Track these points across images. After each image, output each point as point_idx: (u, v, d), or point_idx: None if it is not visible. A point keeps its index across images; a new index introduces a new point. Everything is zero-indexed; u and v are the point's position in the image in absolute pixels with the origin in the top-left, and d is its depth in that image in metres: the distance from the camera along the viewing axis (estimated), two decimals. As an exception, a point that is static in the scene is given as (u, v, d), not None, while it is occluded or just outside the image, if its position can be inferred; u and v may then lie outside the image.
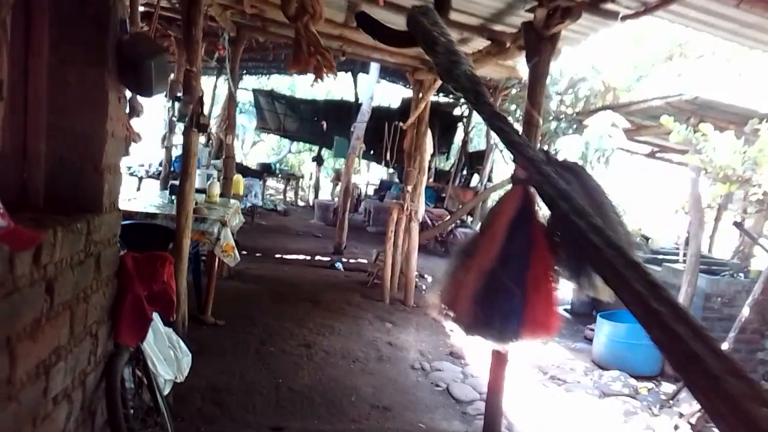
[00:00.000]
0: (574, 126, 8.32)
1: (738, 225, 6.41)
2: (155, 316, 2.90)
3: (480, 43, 5.48)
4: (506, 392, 3.79)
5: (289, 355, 4.67)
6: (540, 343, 6.31)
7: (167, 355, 3.23)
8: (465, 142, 12.45)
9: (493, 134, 11.07)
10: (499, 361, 3.77)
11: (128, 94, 2.67)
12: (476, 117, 12.61)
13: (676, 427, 4.35)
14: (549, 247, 1.13)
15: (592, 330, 6.50)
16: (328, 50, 1.68)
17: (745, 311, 4.90)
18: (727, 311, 5.75)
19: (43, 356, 1.83)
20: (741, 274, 6.23)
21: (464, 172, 12.67)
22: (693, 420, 4.44)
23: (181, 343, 3.48)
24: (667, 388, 5.26)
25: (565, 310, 8.23)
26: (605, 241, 0.91)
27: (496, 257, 1.15)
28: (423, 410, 4.07)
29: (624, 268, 0.89)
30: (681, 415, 4.54)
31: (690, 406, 4.61)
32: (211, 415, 3.50)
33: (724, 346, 4.86)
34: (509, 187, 1.20)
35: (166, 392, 3.09)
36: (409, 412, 4.01)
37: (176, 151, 9.00)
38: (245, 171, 11.56)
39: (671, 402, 4.85)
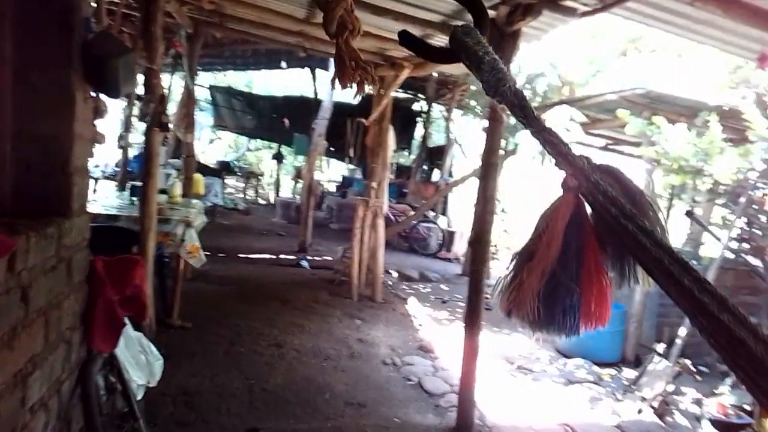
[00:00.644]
0: (532, 121, 8.50)
1: (689, 214, 6.69)
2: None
3: (442, 40, 5.53)
4: (477, 384, 3.88)
5: (259, 356, 4.63)
6: (505, 334, 6.46)
7: (139, 360, 3.17)
8: (425, 138, 12.55)
9: (452, 130, 11.21)
10: (470, 354, 3.85)
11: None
12: (435, 113, 12.74)
13: (639, 411, 4.53)
14: (599, 248, 1.22)
15: (555, 319, 6.69)
16: (368, 65, 1.75)
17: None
18: (682, 297, 5.99)
19: (20, 365, 1.78)
20: (694, 261, 6.50)
21: (425, 168, 12.78)
22: (655, 403, 4.63)
23: (152, 348, 3.42)
24: (629, 373, 5.46)
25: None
26: (653, 242, 0.98)
27: (556, 259, 1.23)
28: (397, 405, 4.11)
29: (670, 264, 0.96)
30: (643, 399, 4.72)
31: (651, 390, 4.81)
32: (184, 418, 3.45)
33: (681, 331, 5.08)
34: (559, 194, 1.30)
35: (138, 397, 3.03)
36: (383, 407, 4.04)
37: (132, 151, 8.79)
38: (204, 169, 11.34)
39: (633, 387, 5.04)
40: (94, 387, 2.42)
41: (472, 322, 3.86)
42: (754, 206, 5.48)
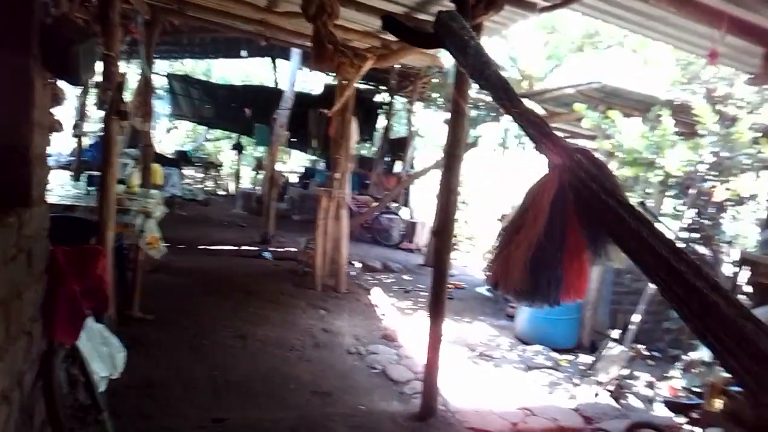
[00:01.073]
0: (493, 114, 8.65)
1: (642, 205, 6.94)
2: (86, 312, 2.79)
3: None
4: (440, 371, 3.96)
5: (223, 347, 4.60)
6: (466, 322, 6.59)
7: (101, 352, 3.12)
8: (387, 130, 12.57)
9: (414, 122, 11.28)
10: (434, 342, 3.93)
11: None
12: (397, 105, 12.78)
13: (595, 394, 4.70)
14: (579, 222, 1.31)
15: (514, 308, 6.85)
16: (348, 48, 1.81)
17: (653, 285, 5.33)
18: (635, 285, 6.22)
19: (-18, 358, 1.74)
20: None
21: (387, 159, 12.81)
22: (610, 387, 4.81)
23: (114, 339, 3.36)
24: (585, 359, 5.65)
25: (487, 290, 8.60)
26: (632, 215, 1.05)
27: (542, 232, 1.32)
28: (362, 393, 4.16)
29: (648, 236, 1.03)
30: (599, 383, 4.91)
31: (606, 375, 5.00)
32: (148, 410, 3.42)
33: (635, 317, 5.29)
34: (544, 172, 1.39)
35: (101, 389, 2.98)
36: (348, 395, 4.08)
37: (87, 140, 8.54)
38: (161, 159, 11.08)
39: (589, 371, 5.22)
40: (57, 379, 2.37)
41: (435, 310, 3.93)
42: (703, 198, 5.73)
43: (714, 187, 5.56)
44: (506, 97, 1.39)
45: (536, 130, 1.36)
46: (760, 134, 4.90)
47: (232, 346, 4.67)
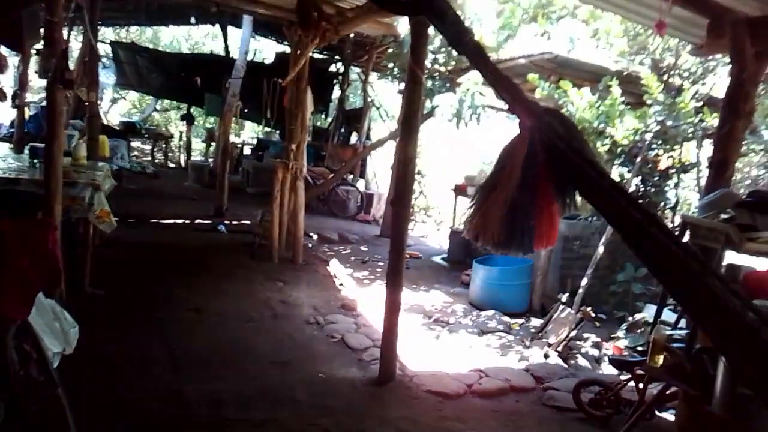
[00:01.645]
0: (447, 84, 8.69)
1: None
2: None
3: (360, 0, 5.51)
4: (398, 337, 4.05)
5: (180, 321, 4.57)
6: (423, 290, 6.72)
7: (53, 328, 3.05)
8: (342, 100, 12.47)
9: (369, 92, 11.22)
10: (392, 309, 4.01)
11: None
12: (352, 75, 12.65)
13: (546, 356, 4.90)
14: (549, 178, 1.43)
15: (468, 275, 7.03)
16: (332, 16, 1.93)
17: (600, 249, 5.56)
18: (583, 251, 6.45)
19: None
20: (594, 217, 6.98)
21: (342, 131, 12.73)
22: (560, 348, 5.03)
23: (67, 315, 3.28)
24: (536, 322, 5.86)
25: (442, 259, 8.78)
26: (596, 171, 1.14)
27: (516, 188, 1.46)
28: (321, 361, 4.22)
29: (609, 188, 1.12)
30: (549, 345, 5.11)
31: (556, 337, 5.21)
32: (105, 385, 3.37)
33: (582, 281, 5.51)
34: (516, 132, 1.55)
35: (54, 365, 2.93)
36: (308, 364, 4.13)
37: (28, 111, 8.15)
38: (108, 131, 10.66)
39: (540, 334, 5.43)
40: (9, 355, 2.32)
41: (393, 279, 3.99)
42: (649, 165, 5.96)
43: (659, 155, 5.80)
44: (483, 63, 1.50)
45: (510, 93, 1.47)
46: (701, 104, 5.11)
47: (189, 319, 4.63)
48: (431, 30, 8.34)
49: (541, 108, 1.48)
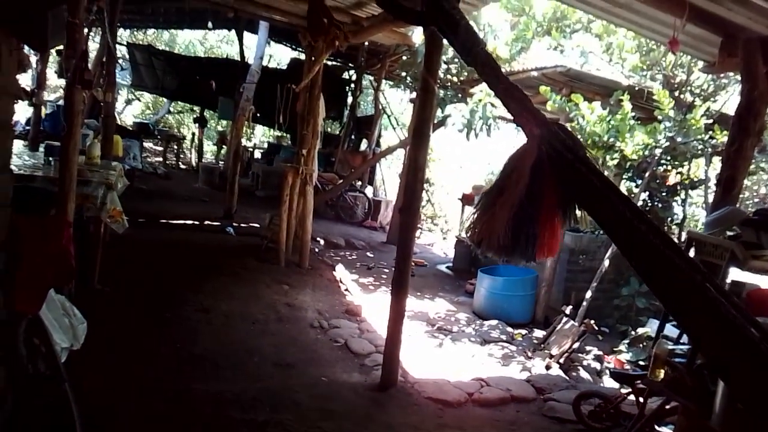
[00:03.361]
0: (459, 95, 8.74)
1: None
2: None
3: (376, 9, 5.57)
4: (401, 344, 4.08)
5: (186, 321, 4.61)
6: (428, 298, 6.74)
7: (62, 323, 3.12)
8: (353, 107, 12.55)
9: (381, 100, 11.28)
10: (396, 316, 4.04)
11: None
12: (365, 82, 12.74)
13: (548, 367, 4.91)
14: (554, 189, 1.44)
15: (473, 284, 7.04)
16: (340, 22, 2.01)
17: (605, 263, 5.56)
18: (589, 264, 6.47)
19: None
20: (600, 231, 6.99)
21: (353, 137, 12.81)
22: (561, 360, 5.03)
23: (76, 310, 3.36)
24: (539, 333, 5.87)
25: (447, 267, 8.79)
26: (601, 181, 1.17)
27: (523, 195, 1.46)
28: (324, 365, 4.25)
29: (617, 199, 1.15)
30: (551, 356, 5.12)
31: (558, 348, 5.22)
32: (109, 382, 3.42)
33: (587, 294, 5.51)
34: (523, 141, 1.58)
35: (62, 360, 2.98)
36: (311, 367, 4.16)
37: (45, 110, 8.27)
38: (121, 131, 10.81)
39: (543, 345, 5.44)
40: (19, 348, 2.38)
41: (399, 286, 4.03)
42: (657, 181, 5.97)
43: (668, 170, 5.80)
44: (493, 74, 1.52)
45: (519, 104, 1.49)
46: (711, 121, 5.12)
47: (195, 319, 4.68)
48: (444, 41, 8.43)
49: (550, 120, 1.51)
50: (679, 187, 5.97)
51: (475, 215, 1.68)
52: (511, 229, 1.54)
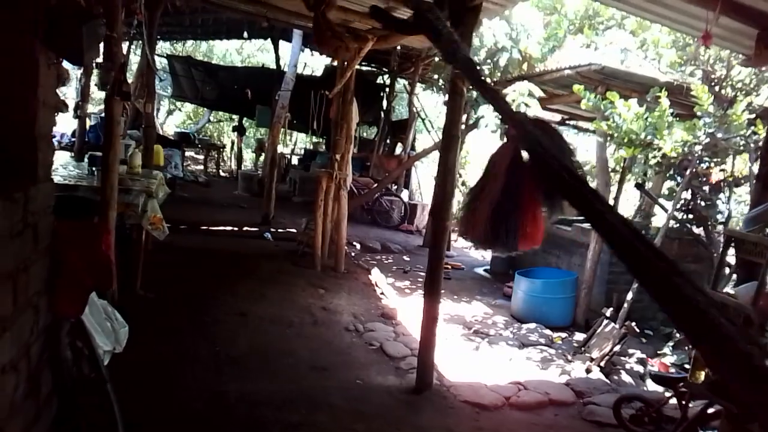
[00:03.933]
0: (493, 95, 8.65)
1: (639, 186, 7.00)
2: (90, 287, 2.87)
3: (404, 13, 5.58)
4: (436, 347, 4.06)
5: (224, 324, 4.71)
6: (465, 302, 6.69)
7: (104, 327, 3.22)
8: (388, 112, 12.58)
9: (415, 103, 11.30)
10: (429, 318, 4.03)
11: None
12: (398, 86, 12.78)
13: (587, 370, 4.81)
14: (534, 183, 1.56)
15: (510, 287, 6.95)
16: (349, 31, 2.29)
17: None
18: (631, 265, 6.30)
19: (-10, 327, 1.83)
20: (642, 231, 6.81)
21: (388, 141, 12.84)
22: (602, 363, 4.92)
23: (117, 315, 3.46)
24: (579, 337, 5.75)
25: (485, 270, 8.71)
26: (572, 176, 1.21)
27: (501, 192, 1.60)
28: (359, 368, 4.27)
29: (588, 194, 1.19)
30: (591, 359, 5.01)
31: (599, 351, 5.10)
32: (151, 384, 3.52)
33: (628, 296, 5.37)
34: (502, 141, 1.74)
35: (105, 363, 3.09)
36: (345, 370, 4.19)
37: (89, 122, 8.59)
38: (163, 141, 11.12)
39: (583, 348, 5.33)
40: (63, 351, 2.47)
41: (432, 288, 4.02)
42: (701, 178, 5.78)
43: (710, 168, 5.62)
44: (473, 76, 1.66)
45: (497, 105, 1.63)
46: (754, 116, 4.93)
47: (233, 322, 4.77)
48: (477, 42, 8.38)
49: (528, 119, 1.61)
50: (723, 185, 5.77)
51: (462, 211, 1.88)
52: (492, 223, 1.68)
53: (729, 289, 3.71)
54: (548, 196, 1.64)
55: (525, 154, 1.55)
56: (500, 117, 1.71)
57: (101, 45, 3.37)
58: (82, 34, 2.25)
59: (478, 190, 1.75)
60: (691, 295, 1.01)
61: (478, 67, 1.67)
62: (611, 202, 8.29)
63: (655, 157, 5.67)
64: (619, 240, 1.18)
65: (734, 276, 3.83)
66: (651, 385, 4.62)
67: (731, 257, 3.62)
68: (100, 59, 3.90)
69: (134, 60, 12.00)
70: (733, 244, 3.05)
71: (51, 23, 2.24)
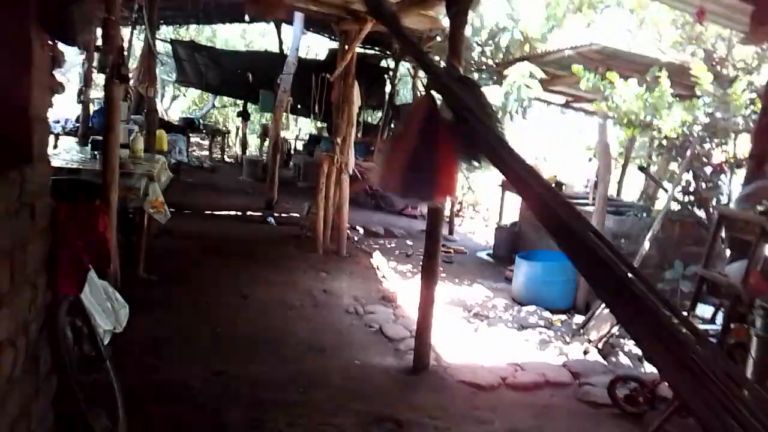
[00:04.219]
0: (494, 77, 8.62)
1: (642, 169, 6.97)
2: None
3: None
4: (434, 328, 4.10)
5: (225, 306, 4.77)
6: (466, 285, 6.72)
7: (105, 307, 3.28)
8: (392, 95, 12.54)
9: (419, 87, 11.25)
10: (427, 299, 4.06)
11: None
12: (402, 69, 12.71)
13: (585, 352, 4.84)
14: (450, 135, 1.59)
15: (512, 271, 6.97)
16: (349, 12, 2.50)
17: (646, 245, 5.41)
18: (632, 248, 6.28)
19: (-13, 303, 1.87)
20: (644, 214, 6.78)
21: (392, 126, 12.80)
22: (600, 345, 4.95)
23: (118, 295, 3.52)
24: (579, 319, 5.77)
25: (488, 254, 8.73)
26: (489, 132, 1.24)
27: (416, 143, 1.64)
28: (358, 349, 4.32)
29: (502, 150, 1.21)
30: (589, 341, 5.04)
31: (597, 333, 5.13)
32: (151, 364, 3.58)
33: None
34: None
35: (105, 342, 3.15)
36: (345, 351, 4.24)
37: (93, 107, 8.64)
38: (168, 126, 11.16)
39: (582, 330, 5.35)
40: (62, 329, 2.52)
41: (429, 269, 4.07)
42: (704, 158, 5.75)
43: (712, 149, 5.59)
44: (396, 29, 1.73)
45: (416, 58, 1.71)
46: (754, 95, 4.89)
47: (235, 304, 4.83)
48: (477, 22, 8.32)
49: (447, 73, 1.68)
50: (725, 166, 5.73)
51: (379, 162, 1.96)
52: (406, 173, 1.72)
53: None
54: (467, 150, 1.68)
55: (442, 108, 1.61)
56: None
57: (98, 27, 3.39)
58: (73, 13, 2.27)
59: (395, 143, 1.81)
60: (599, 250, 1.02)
61: (400, 21, 1.79)
62: (615, 185, 8.26)
63: (657, 138, 5.64)
64: (544, 206, 1.20)
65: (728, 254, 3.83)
66: (648, 367, 4.64)
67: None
68: (99, 42, 3.93)
69: (138, 46, 11.98)
70: (724, 224, 3.05)
71: (43, 3, 2.25)
